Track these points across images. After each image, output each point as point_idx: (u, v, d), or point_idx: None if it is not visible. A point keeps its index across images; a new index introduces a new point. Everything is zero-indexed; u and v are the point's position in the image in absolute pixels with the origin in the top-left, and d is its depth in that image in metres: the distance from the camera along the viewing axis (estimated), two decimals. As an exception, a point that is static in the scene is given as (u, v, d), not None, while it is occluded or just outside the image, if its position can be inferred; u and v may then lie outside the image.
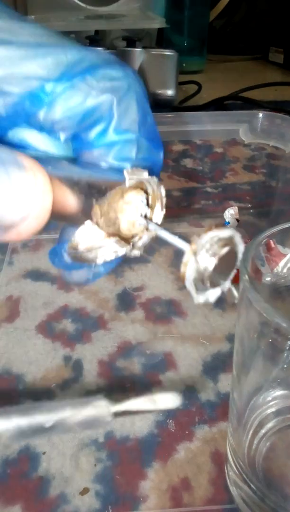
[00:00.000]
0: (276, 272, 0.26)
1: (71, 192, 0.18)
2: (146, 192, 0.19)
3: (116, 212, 0.18)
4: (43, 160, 0.20)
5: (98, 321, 0.36)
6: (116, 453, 0.27)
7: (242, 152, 0.62)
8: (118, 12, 0.91)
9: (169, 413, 0.29)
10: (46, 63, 0.18)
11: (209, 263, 0.18)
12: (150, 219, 0.19)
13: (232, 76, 1.01)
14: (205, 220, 0.49)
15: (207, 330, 0.35)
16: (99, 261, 0.19)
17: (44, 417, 0.16)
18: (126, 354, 0.33)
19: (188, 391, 0.30)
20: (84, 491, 0.25)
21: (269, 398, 0.26)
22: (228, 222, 0.41)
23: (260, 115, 0.63)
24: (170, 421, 0.28)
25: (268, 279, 0.25)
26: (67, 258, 0.21)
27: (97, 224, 0.19)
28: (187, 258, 0.18)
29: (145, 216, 0.19)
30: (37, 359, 0.33)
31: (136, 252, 0.19)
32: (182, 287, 0.39)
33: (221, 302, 0.37)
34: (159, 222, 0.20)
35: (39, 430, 0.16)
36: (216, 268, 0.18)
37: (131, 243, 0.19)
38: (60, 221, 0.20)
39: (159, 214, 0.20)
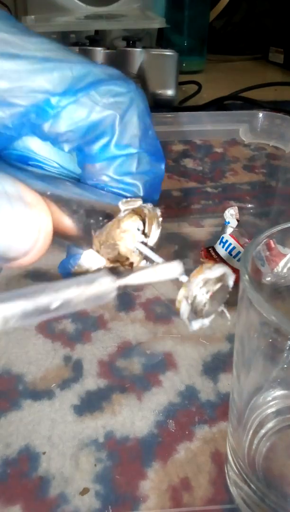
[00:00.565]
0: (276, 272, 0.26)
1: (70, 218, 0.19)
2: (141, 216, 0.20)
3: (115, 240, 0.20)
4: (44, 178, 0.21)
5: (98, 321, 0.36)
6: (116, 453, 0.27)
7: (242, 152, 0.62)
8: (118, 12, 0.91)
9: (169, 413, 0.29)
10: (52, 77, 0.19)
11: (202, 299, 0.19)
12: (146, 244, 0.21)
13: (232, 76, 1.01)
14: (205, 220, 0.49)
15: (207, 330, 0.35)
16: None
17: (49, 298, 0.16)
18: (126, 354, 0.33)
19: (188, 391, 0.30)
20: (84, 491, 0.25)
21: (269, 398, 0.26)
22: (228, 222, 0.41)
23: (260, 115, 0.63)
24: (170, 421, 0.28)
25: (268, 279, 0.25)
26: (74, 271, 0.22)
27: (98, 251, 0.20)
28: (180, 298, 0.19)
29: (143, 242, 0.21)
30: (37, 359, 0.33)
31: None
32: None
33: (221, 302, 0.37)
34: (156, 239, 0.21)
35: (46, 311, 0.16)
36: (209, 301, 0.19)
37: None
38: (62, 240, 0.20)
39: (155, 233, 0.21)
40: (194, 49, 1.03)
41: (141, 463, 0.26)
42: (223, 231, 0.41)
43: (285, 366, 0.23)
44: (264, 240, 0.23)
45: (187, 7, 0.99)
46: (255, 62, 1.13)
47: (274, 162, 0.60)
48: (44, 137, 0.20)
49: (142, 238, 0.20)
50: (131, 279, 0.18)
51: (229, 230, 0.40)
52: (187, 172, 0.58)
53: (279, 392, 0.26)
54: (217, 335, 0.35)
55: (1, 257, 0.17)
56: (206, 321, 0.20)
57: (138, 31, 0.90)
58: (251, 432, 0.25)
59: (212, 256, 0.39)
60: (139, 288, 0.39)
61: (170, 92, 0.78)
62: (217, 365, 0.32)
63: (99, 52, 0.78)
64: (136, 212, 0.20)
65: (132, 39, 0.79)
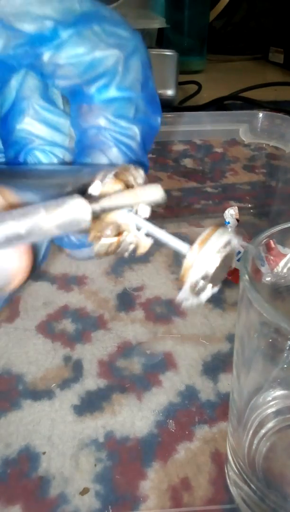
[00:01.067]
0: (276, 272, 0.26)
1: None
2: (123, 180, 0.19)
3: (107, 222, 0.18)
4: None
5: (98, 321, 0.36)
6: (116, 453, 0.27)
7: (242, 152, 0.62)
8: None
9: (169, 413, 0.29)
10: (61, 7, 0.18)
11: (211, 265, 0.17)
12: (136, 212, 0.19)
13: (232, 76, 1.01)
14: (205, 220, 0.49)
15: (207, 330, 0.35)
16: (125, 254, 0.19)
17: (17, 223, 0.15)
18: (126, 354, 0.33)
19: (188, 391, 0.30)
20: (84, 491, 0.25)
21: (269, 398, 0.26)
22: (228, 222, 0.41)
23: (260, 115, 0.63)
24: (170, 421, 0.28)
25: (268, 279, 0.25)
26: (73, 239, 0.22)
27: (100, 237, 0.19)
28: (192, 260, 0.17)
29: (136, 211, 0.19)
30: (37, 359, 0.33)
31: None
32: (182, 287, 0.39)
33: (221, 302, 0.37)
34: (148, 211, 0.19)
35: (16, 238, 0.15)
36: (218, 269, 0.18)
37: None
38: None
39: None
40: (194, 49, 1.03)
41: (141, 463, 0.26)
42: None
43: (285, 366, 0.23)
44: (264, 240, 0.23)
45: (187, 7, 0.99)
46: (255, 62, 1.13)
47: (274, 162, 0.60)
48: (42, 70, 0.20)
49: (135, 207, 0.19)
50: (107, 202, 0.17)
51: (229, 230, 0.40)
52: (187, 172, 0.58)
53: (279, 392, 0.26)
54: (217, 335, 0.35)
55: None
56: (215, 289, 0.18)
57: (138, 31, 0.90)
58: (251, 432, 0.25)
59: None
60: (139, 288, 0.39)
61: (170, 92, 0.78)
62: (217, 365, 0.32)
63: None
64: (117, 179, 0.19)
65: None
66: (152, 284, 0.40)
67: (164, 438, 0.27)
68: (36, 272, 0.19)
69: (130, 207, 0.18)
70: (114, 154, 0.21)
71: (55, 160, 0.22)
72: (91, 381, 0.31)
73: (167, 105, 0.77)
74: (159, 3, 1.02)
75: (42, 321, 0.36)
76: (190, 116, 0.65)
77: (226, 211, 0.41)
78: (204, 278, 0.17)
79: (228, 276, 0.38)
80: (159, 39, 1.00)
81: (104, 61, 0.19)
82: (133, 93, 0.20)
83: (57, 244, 0.22)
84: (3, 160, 0.23)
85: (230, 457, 0.24)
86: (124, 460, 0.26)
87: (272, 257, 0.24)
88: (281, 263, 0.26)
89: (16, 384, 0.31)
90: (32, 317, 0.36)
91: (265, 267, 0.24)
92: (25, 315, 0.37)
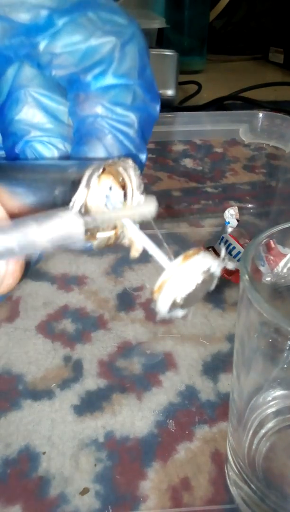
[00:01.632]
0: (276, 272, 0.26)
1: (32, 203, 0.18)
2: (112, 173, 0.18)
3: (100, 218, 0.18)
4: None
5: (98, 321, 0.36)
6: (116, 453, 0.27)
7: (242, 152, 0.62)
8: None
9: (169, 413, 0.29)
10: None
11: (190, 282, 0.17)
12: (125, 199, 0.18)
13: (232, 76, 1.01)
14: (205, 220, 0.49)
15: (207, 330, 0.35)
16: (126, 242, 0.19)
17: (8, 237, 0.15)
18: (126, 354, 0.33)
19: (188, 391, 0.30)
20: (84, 491, 0.25)
21: (269, 398, 0.26)
22: (228, 222, 0.41)
23: (260, 115, 0.63)
24: (170, 421, 0.28)
25: (268, 279, 0.25)
26: None
27: (95, 234, 0.18)
28: (171, 274, 0.17)
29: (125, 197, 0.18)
30: (37, 359, 0.33)
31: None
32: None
33: (221, 302, 0.37)
34: (137, 184, 0.19)
35: (8, 253, 0.15)
36: (194, 289, 0.18)
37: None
38: None
39: (134, 180, 0.19)
40: (194, 49, 1.03)
41: (141, 463, 0.26)
42: (223, 231, 0.41)
43: (285, 366, 0.23)
44: (264, 240, 0.23)
45: (187, 7, 0.99)
46: (255, 62, 1.13)
47: (274, 162, 0.60)
48: (39, 60, 0.19)
49: (119, 195, 0.18)
50: (100, 214, 0.17)
51: (229, 230, 0.40)
52: (187, 172, 0.58)
53: (279, 392, 0.26)
54: (217, 335, 0.35)
55: None
56: (180, 313, 0.18)
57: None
58: (251, 432, 0.25)
59: (212, 256, 0.39)
60: (139, 288, 0.39)
61: (170, 92, 0.78)
62: (217, 365, 0.32)
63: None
64: (107, 172, 0.18)
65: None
66: (152, 284, 0.40)
67: (164, 438, 0.27)
68: (28, 272, 0.19)
69: (123, 219, 0.18)
70: (111, 142, 0.20)
71: (54, 151, 0.22)
72: (91, 381, 0.31)
73: (167, 105, 0.77)
74: (159, 3, 1.02)
75: (42, 321, 0.36)
76: (190, 116, 0.65)
77: (226, 211, 0.41)
78: (179, 294, 0.17)
79: (228, 276, 0.38)
80: (159, 39, 1.00)
81: (100, 48, 0.19)
82: (130, 80, 0.20)
83: None
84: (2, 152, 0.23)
85: (230, 457, 0.24)
86: (124, 460, 0.26)
87: (272, 257, 0.24)
88: (281, 263, 0.26)
89: (16, 384, 0.31)
90: (32, 317, 0.36)
91: (265, 267, 0.24)
92: (25, 315, 0.37)
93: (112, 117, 0.20)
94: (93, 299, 0.38)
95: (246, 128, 0.63)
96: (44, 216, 0.15)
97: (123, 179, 0.18)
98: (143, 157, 0.21)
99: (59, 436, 0.28)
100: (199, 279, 0.17)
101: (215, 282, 0.18)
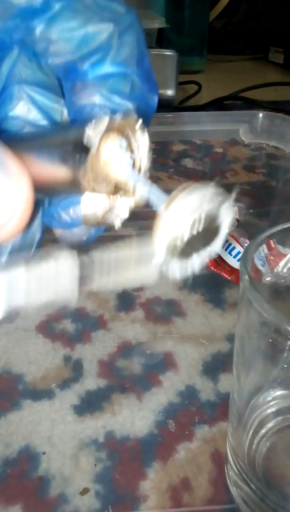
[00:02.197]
0: (276, 272, 0.26)
1: (59, 166, 0.17)
2: (119, 131, 0.18)
3: (103, 173, 0.17)
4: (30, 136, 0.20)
5: (98, 321, 0.36)
6: (116, 453, 0.27)
7: (242, 152, 0.62)
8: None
9: (169, 413, 0.29)
10: None
11: (186, 227, 0.16)
12: (134, 162, 0.18)
13: (232, 76, 1.01)
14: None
15: (207, 330, 0.35)
16: (117, 223, 0.18)
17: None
18: (126, 354, 0.33)
19: (188, 391, 0.30)
20: (84, 491, 0.25)
21: (269, 398, 0.26)
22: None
23: (260, 115, 0.63)
24: (170, 421, 0.28)
25: (268, 279, 0.25)
26: (65, 217, 0.21)
27: (95, 190, 0.17)
28: (160, 220, 0.16)
29: (134, 164, 0.18)
30: (37, 359, 0.33)
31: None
32: (182, 287, 0.39)
33: (221, 302, 0.37)
34: (146, 148, 0.18)
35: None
36: (194, 235, 0.16)
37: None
38: (51, 193, 0.19)
39: (143, 142, 0.18)
40: (194, 49, 1.03)
41: (141, 463, 0.26)
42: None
43: (285, 366, 0.23)
44: (264, 240, 0.23)
45: (187, 7, 0.99)
46: (255, 62, 1.13)
47: (274, 162, 0.60)
48: (35, 48, 0.19)
49: (129, 156, 0.17)
50: (97, 254, 0.16)
51: (229, 230, 0.40)
52: (187, 172, 0.58)
53: (279, 392, 0.26)
54: (217, 335, 0.35)
55: None
56: (193, 265, 0.16)
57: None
58: (251, 432, 0.25)
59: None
60: (139, 288, 0.39)
61: (170, 92, 0.78)
62: (217, 365, 0.32)
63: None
64: (112, 129, 0.17)
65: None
66: (152, 284, 0.40)
67: (164, 438, 0.27)
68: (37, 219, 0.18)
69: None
70: None
71: None
72: (91, 381, 0.31)
73: (167, 105, 0.77)
74: (159, 3, 1.02)
75: (42, 321, 0.36)
76: (190, 116, 0.65)
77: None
78: (176, 238, 0.16)
79: (228, 276, 0.38)
80: (159, 39, 1.00)
81: (97, 35, 0.19)
82: (128, 69, 0.20)
83: (47, 225, 0.21)
84: None
85: (230, 457, 0.24)
86: (124, 460, 0.26)
87: (272, 257, 0.24)
88: (281, 263, 0.26)
89: (16, 384, 0.31)
90: (32, 317, 0.36)
91: (265, 267, 0.24)
92: (25, 315, 0.37)
93: (110, 106, 0.20)
94: (93, 299, 0.38)
95: (246, 128, 0.63)
96: (36, 258, 0.15)
97: (129, 142, 0.17)
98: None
99: (59, 436, 0.28)
100: (189, 220, 0.16)
101: (224, 223, 0.17)
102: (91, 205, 0.18)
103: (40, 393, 0.30)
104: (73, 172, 0.17)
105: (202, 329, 0.35)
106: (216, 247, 0.17)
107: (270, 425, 0.26)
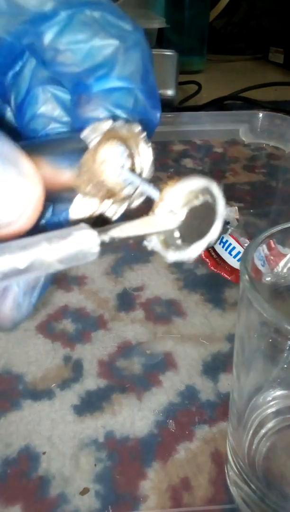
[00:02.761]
0: (276, 272, 0.26)
1: (65, 171, 0.17)
2: (122, 138, 0.18)
3: (97, 176, 0.17)
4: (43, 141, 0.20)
5: (98, 321, 0.36)
6: (116, 453, 0.27)
7: (242, 152, 0.62)
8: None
9: (169, 413, 0.29)
10: None
11: (179, 215, 0.16)
12: (134, 170, 0.18)
13: (232, 76, 1.01)
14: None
15: (207, 330, 0.35)
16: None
17: (16, 257, 0.14)
18: (126, 354, 0.33)
19: (188, 391, 0.30)
20: (84, 491, 0.25)
21: (269, 398, 0.26)
22: (228, 222, 0.41)
23: (260, 115, 0.63)
24: (170, 421, 0.28)
25: (268, 279, 0.25)
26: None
27: (88, 193, 0.17)
28: (155, 209, 0.16)
29: (133, 169, 0.18)
30: (37, 359, 0.33)
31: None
32: (182, 287, 0.39)
33: (221, 302, 0.37)
34: (149, 161, 0.18)
35: (14, 273, 0.14)
36: (188, 222, 0.16)
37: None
38: (57, 199, 0.19)
39: (146, 154, 0.18)
40: (194, 49, 1.03)
41: (141, 463, 0.26)
42: (223, 231, 0.41)
43: (285, 366, 0.23)
44: (264, 240, 0.23)
45: (187, 7, 0.99)
46: (255, 62, 1.13)
47: (274, 162, 0.60)
48: (43, 56, 0.20)
49: (128, 163, 0.17)
50: (118, 232, 0.16)
51: (229, 230, 0.40)
52: (187, 172, 0.58)
53: (279, 392, 0.26)
54: (217, 335, 0.35)
55: None
56: (185, 254, 0.16)
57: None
58: (251, 432, 0.25)
59: (212, 256, 0.39)
60: (139, 288, 0.39)
61: (170, 92, 0.78)
62: (217, 365, 0.32)
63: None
64: (113, 135, 0.17)
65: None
66: (152, 284, 0.40)
67: (164, 438, 0.27)
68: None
69: (142, 237, 0.17)
70: None
71: None
72: (91, 381, 0.31)
73: (167, 105, 0.77)
74: (159, 3, 1.02)
75: (42, 321, 0.36)
76: (190, 116, 0.65)
77: (226, 211, 0.41)
78: (167, 236, 0.16)
79: (228, 276, 0.38)
80: (159, 39, 1.00)
81: (103, 49, 0.19)
82: (133, 84, 0.20)
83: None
84: None
85: (230, 457, 0.24)
86: (124, 460, 0.26)
87: (272, 257, 0.24)
88: (281, 263, 0.26)
89: (16, 384, 0.31)
90: (32, 317, 0.36)
91: (265, 267, 0.24)
92: (25, 315, 0.37)
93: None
94: (93, 299, 0.38)
95: (246, 128, 0.63)
96: (56, 235, 0.14)
97: (133, 146, 0.18)
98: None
99: (59, 436, 0.28)
100: (182, 213, 0.16)
101: (221, 207, 0.17)
102: (80, 210, 0.18)
103: (40, 393, 0.30)
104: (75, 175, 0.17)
105: (202, 329, 0.35)
106: (213, 235, 0.17)
107: (270, 425, 0.26)
